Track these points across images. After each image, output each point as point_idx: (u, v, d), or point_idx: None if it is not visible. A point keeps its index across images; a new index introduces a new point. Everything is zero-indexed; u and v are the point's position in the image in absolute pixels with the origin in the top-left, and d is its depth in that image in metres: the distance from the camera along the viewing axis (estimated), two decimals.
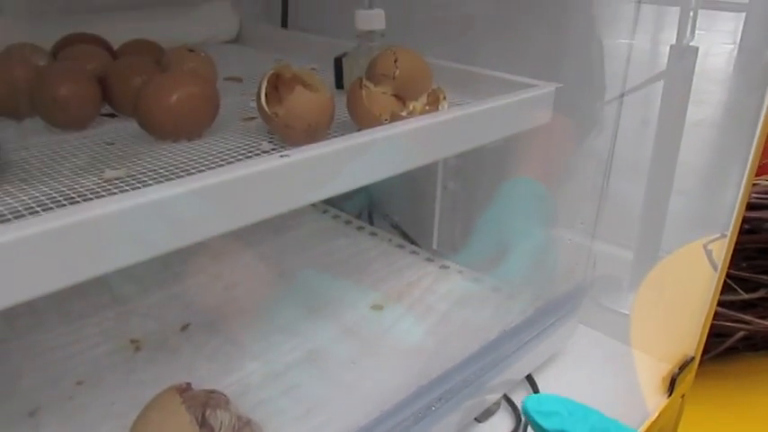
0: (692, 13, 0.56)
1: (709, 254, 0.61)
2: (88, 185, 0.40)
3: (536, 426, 0.29)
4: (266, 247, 0.74)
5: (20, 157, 0.45)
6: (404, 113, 0.48)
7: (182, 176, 0.41)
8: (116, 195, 0.32)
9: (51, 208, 0.36)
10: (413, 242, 0.77)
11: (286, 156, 0.35)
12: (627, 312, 0.67)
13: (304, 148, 0.37)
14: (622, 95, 0.61)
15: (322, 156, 0.37)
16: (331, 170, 0.38)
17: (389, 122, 0.46)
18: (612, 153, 0.63)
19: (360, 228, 0.80)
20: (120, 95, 0.52)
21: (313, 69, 0.69)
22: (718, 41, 0.58)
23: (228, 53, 0.80)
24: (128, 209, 0.31)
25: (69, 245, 0.29)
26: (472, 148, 0.48)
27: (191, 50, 0.57)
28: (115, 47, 0.61)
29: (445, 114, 0.45)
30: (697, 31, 0.57)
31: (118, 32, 0.64)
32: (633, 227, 0.66)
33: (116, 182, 0.41)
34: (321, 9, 0.85)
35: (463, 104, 0.50)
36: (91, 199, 0.38)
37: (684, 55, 0.57)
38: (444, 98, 0.49)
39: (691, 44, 0.57)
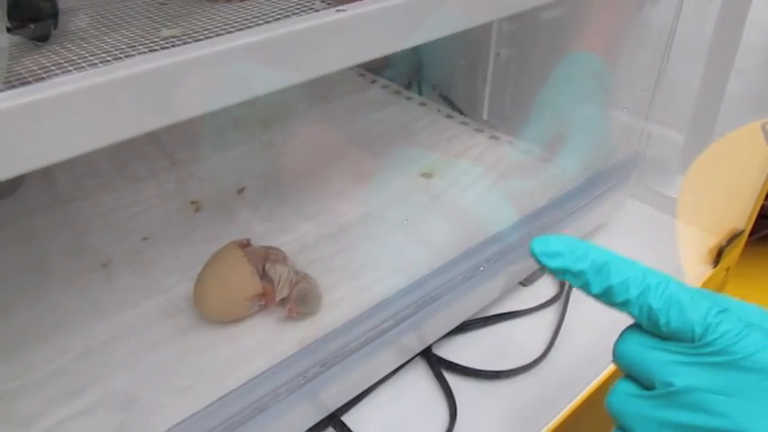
0: None
1: (767, 133, 0.60)
2: (147, 44, 0.40)
3: (542, 266, 0.30)
4: (316, 116, 0.74)
5: (74, 17, 0.45)
6: None
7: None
8: (176, 48, 0.32)
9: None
10: (462, 113, 0.76)
11: (342, 10, 0.35)
12: (674, 196, 0.67)
13: (360, 2, 0.36)
14: None
15: (378, 11, 0.36)
16: (387, 27, 0.37)
17: None
18: (675, 28, 0.60)
19: (409, 98, 0.79)
20: None
21: None
22: None
23: None
24: (187, 61, 0.31)
25: (139, 93, 0.30)
26: (535, 5, 0.46)
27: None
28: None
29: None
30: None
31: None
32: (686, 109, 0.64)
33: (173, 40, 0.41)
34: None
35: None
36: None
37: None
38: None
39: None
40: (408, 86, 0.82)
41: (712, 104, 0.62)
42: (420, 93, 0.81)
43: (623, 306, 0.29)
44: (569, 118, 0.64)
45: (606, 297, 0.29)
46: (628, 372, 0.30)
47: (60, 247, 0.56)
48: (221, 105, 0.34)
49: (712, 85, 0.61)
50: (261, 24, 0.43)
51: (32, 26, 0.43)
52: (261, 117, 0.71)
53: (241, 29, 0.42)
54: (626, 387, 0.29)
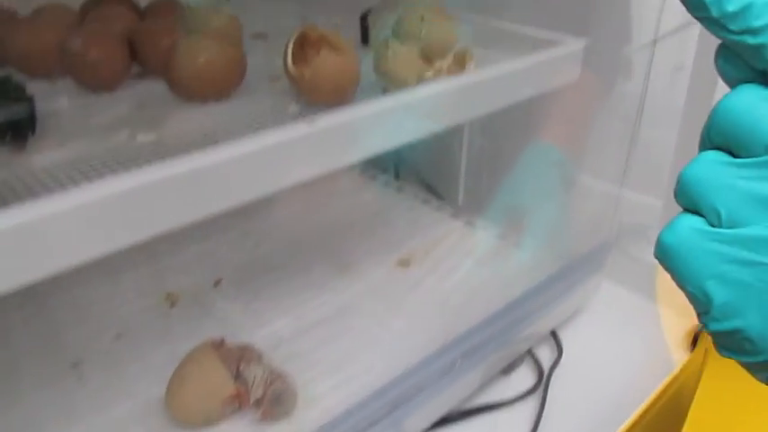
0: None
1: None
2: (122, 150, 0.41)
3: None
4: (293, 203, 0.75)
5: (54, 121, 0.46)
6: (430, 74, 0.48)
7: (212, 139, 0.42)
8: (144, 168, 0.33)
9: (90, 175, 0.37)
10: (439, 197, 0.78)
11: (312, 122, 0.36)
12: (653, 261, 0.67)
13: (329, 113, 0.37)
14: (655, 41, 0.60)
15: (347, 122, 0.37)
16: (357, 135, 0.38)
17: (415, 84, 0.46)
18: (644, 101, 0.62)
19: (386, 183, 0.80)
20: (149, 57, 0.53)
21: (336, 26, 0.69)
22: None
23: (254, 6, 0.79)
24: (152, 182, 0.32)
25: (108, 213, 0.31)
26: (499, 108, 0.47)
27: (215, 11, 0.57)
28: (141, 4, 0.62)
29: (471, 77, 0.45)
30: None
31: None
32: (663, 175, 0.65)
33: (148, 146, 0.42)
34: None
35: (489, 65, 0.49)
36: (125, 164, 0.39)
37: None
38: (471, 58, 0.48)
39: None
40: (385, 170, 0.84)
41: None
42: (397, 177, 0.82)
43: (756, 34, 0.22)
44: (540, 204, 0.66)
45: (738, 20, 0.22)
46: (729, 134, 0.23)
47: (31, 346, 0.55)
48: (196, 218, 0.35)
49: (687, 151, 0.63)
50: (236, 129, 0.44)
51: (9, 132, 0.43)
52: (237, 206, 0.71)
53: (216, 133, 0.44)
54: (715, 156, 0.23)
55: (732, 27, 0.22)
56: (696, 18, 0.23)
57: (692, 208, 0.23)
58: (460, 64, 0.49)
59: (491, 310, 0.54)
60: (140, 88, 0.53)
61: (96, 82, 0.52)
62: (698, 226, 0.22)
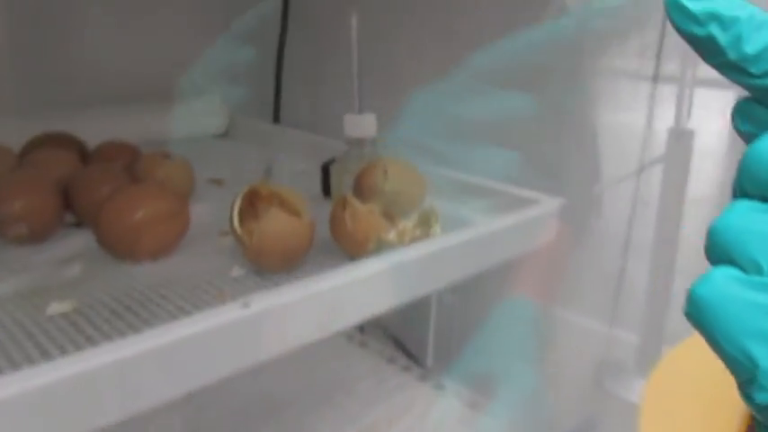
0: (687, 93, 0.55)
1: None
2: (27, 324, 0.35)
3: (675, 13, 0.20)
4: None
5: None
6: (391, 236, 0.43)
7: (134, 313, 0.36)
8: (55, 362, 0.27)
9: None
10: (407, 353, 0.71)
11: (247, 306, 0.30)
12: (634, 401, 0.61)
13: (267, 295, 0.32)
14: (640, 172, 0.58)
15: (287, 304, 0.32)
16: (298, 318, 0.33)
17: (376, 248, 0.41)
18: (630, 237, 0.60)
19: (349, 337, 0.74)
20: (85, 206, 0.48)
21: (301, 173, 0.65)
22: (714, 120, 0.56)
23: (216, 149, 0.77)
24: (51, 383, 0.26)
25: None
26: (466, 276, 0.42)
27: (166, 156, 0.53)
28: (98, 140, 0.59)
29: (435, 244, 0.40)
30: (694, 110, 0.55)
31: (103, 127, 0.62)
32: (637, 309, 0.61)
33: (59, 318, 0.36)
34: (314, 104, 0.82)
35: (457, 227, 0.45)
36: (25, 346, 0.33)
37: (682, 138, 0.56)
38: (437, 219, 0.44)
39: (688, 126, 0.56)
40: None
41: (660, 303, 0.60)
42: (362, 330, 0.76)
43: None
44: (515, 367, 0.60)
45: (760, 61, 0.20)
46: (764, 179, 0.20)
47: None
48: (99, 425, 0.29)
49: (659, 286, 0.60)
50: (164, 298, 0.38)
51: None
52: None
53: (141, 302, 0.38)
54: (750, 204, 0.20)
55: (753, 70, 0.20)
56: (711, 65, 0.20)
57: (725, 261, 0.19)
58: (425, 224, 0.45)
59: None
60: (71, 240, 0.48)
61: (21, 235, 0.47)
62: (737, 275, 0.19)
